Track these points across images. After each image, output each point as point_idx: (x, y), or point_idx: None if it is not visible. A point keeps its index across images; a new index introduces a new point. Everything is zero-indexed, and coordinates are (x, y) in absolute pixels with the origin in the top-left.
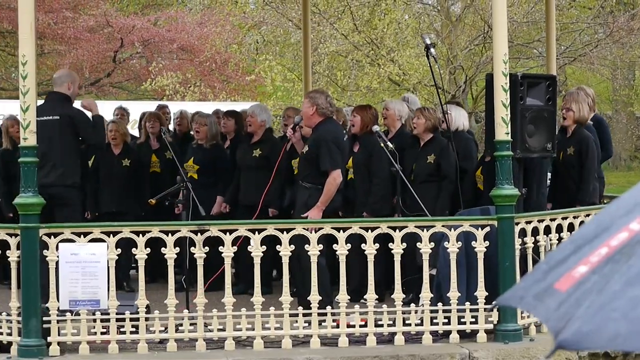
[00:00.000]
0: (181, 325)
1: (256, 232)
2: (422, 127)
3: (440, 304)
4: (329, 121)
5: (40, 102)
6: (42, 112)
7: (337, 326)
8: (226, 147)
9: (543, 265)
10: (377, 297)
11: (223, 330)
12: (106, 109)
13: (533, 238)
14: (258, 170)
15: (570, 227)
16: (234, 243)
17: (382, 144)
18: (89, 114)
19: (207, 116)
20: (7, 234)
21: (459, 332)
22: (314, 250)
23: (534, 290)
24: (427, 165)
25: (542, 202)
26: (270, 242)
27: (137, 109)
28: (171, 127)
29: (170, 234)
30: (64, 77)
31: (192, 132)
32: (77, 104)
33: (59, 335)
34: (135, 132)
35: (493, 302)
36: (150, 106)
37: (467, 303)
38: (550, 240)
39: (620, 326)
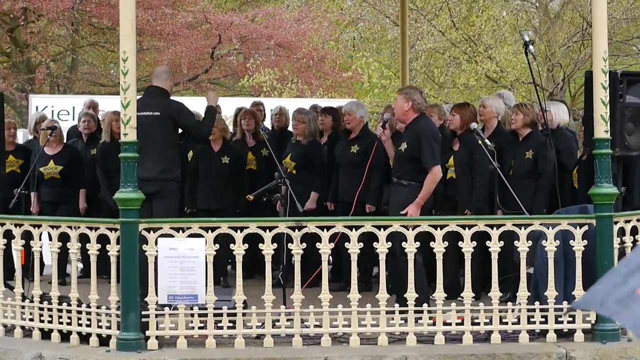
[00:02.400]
0: (278, 321)
1: (353, 229)
2: (521, 123)
3: (537, 302)
4: (423, 117)
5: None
6: (143, 107)
7: (434, 324)
8: (323, 144)
9: (622, 268)
10: (473, 295)
11: (320, 326)
12: (203, 105)
13: (632, 237)
14: (356, 166)
15: None
16: (333, 239)
17: (480, 142)
18: (199, 107)
19: (306, 113)
20: (107, 228)
21: (556, 331)
22: (410, 247)
23: (615, 295)
24: (525, 161)
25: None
26: (370, 239)
27: (231, 105)
28: (267, 123)
29: (268, 230)
30: (165, 73)
31: (290, 129)
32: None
33: (157, 329)
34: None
35: (568, 306)
36: (245, 102)
37: (565, 302)
38: None
39: None
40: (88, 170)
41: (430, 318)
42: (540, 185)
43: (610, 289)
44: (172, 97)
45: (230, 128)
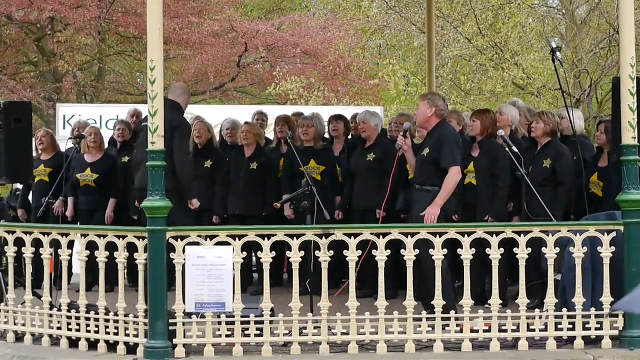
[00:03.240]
0: (305, 328)
1: (380, 236)
2: (541, 131)
3: (564, 309)
4: (445, 123)
5: None
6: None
7: (461, 330)
8: (340, 152)
9: None
10: (500, 301)
11: (347, 333)
12: (230, 113)
13: None
14: (372, 173)
15: None
16: (360, 247)
17: (507, 148)
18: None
19: (311, 117)
20: (134, 236)
21: (583, 337)
22: (438, 254)
23: None
24: (543, 169)
25: None
26: (394, 247)
27: (273, 113)
28: (269, 135)
29: (295, 238)
30: (180, 89)
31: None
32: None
33: (184, 337)
34: (270, 135)
35: (611, 307)
36: (288, 111)
37: (592, 309)
38: None
39: None
40: (121, 177)
41: (457, 325)
42: (559, 194)
43: None
44: (192, 111)
45: (271, 136)
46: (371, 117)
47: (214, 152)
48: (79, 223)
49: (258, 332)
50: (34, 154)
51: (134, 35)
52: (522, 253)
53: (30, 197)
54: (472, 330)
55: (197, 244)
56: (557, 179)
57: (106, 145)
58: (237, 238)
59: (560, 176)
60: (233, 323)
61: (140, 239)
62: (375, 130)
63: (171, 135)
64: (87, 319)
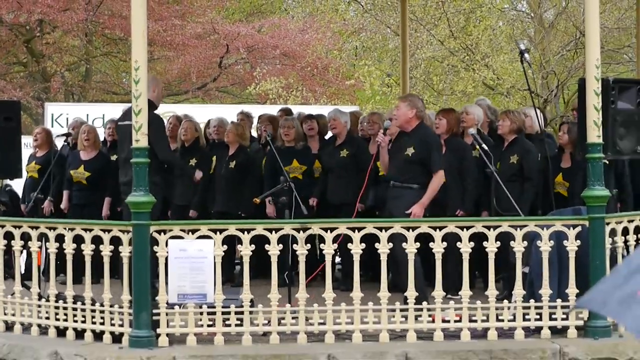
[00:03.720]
0: (283, 318)
1: (356, 230)
2: (507, 129)
3: (532, 300)
4: (424, 124)
5: None
6: (124, 116)
7: (433, 321)
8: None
9: (623, 270)
10: (471, 293)
11: (324, 324)
12: (212, 112)
13: (623, 238)
14: (345, 169)
15: None
16: (335, 241)
17: (477, 146)
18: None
19: (292, 119)
20: (119, 230)
21: (550, 327)
22: (411, 248)
23: (616, 296)
24: (510, 165)
25: (629, 202)
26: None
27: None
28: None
29: (274, 232)
30: (149, 82)
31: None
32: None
33: (167, 327)
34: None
35: (571, 306)
36: (273, 110)
37: (559, 300)
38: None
39: None
40: (111, 175)
41: (429, 315)
42: (526, 189)
43: (612, 290)
44: (170, 108)
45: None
46: (341, 114)
47: (199, 150)
48: (71, 216)
49: (238, 322)
50: (25, 149)
51: (119, 37)
52: (491, 247)
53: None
54: (443, 321)
55: (180, 238)
56: (524, 174)
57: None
58: (218, 232)
59: (528, 172)
60: (214, 314)
61: (125, 233)
62: (345, 127)
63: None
64: (75, 309)
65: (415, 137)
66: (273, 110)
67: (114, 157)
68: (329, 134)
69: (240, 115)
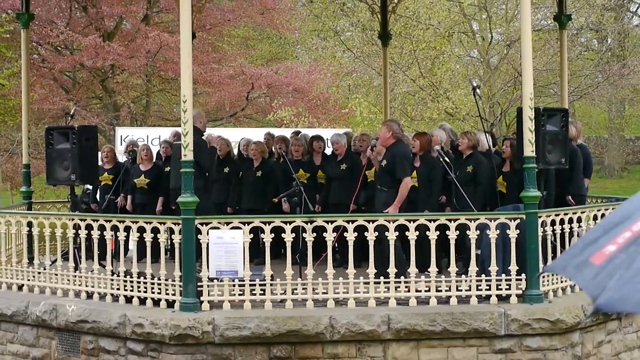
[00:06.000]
0: (296, 289)
1: (350, 222)
2: (466, 146)
3: (483, 275)
4: (399, 142)
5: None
6: (179, 137)
7: (408, 291)
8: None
9: (579, 243)
10: (437, 270)
11: (326, 293)
12: (241, 134)
13: (551, 228)
14: (344, 179)
15: (579, 220)
16: (335, 230)
17: (441, 159)
18: (237, 136)
19: (301, 138)
20: (172, 223)
21: (497, 296)
22: (392, 235)
23: (573, 262)
24: (467, 173)
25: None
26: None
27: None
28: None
29: (288, 224)
30: (196, 116)
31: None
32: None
33: (208, 296)
34: None
35: (541, 269)
36: (287, 132)
37: (503, 275)
38: (563, 229)
39: None
40: (166, 181)
41: (406, 287)
42: (478, 191)
43: (570, 258)
44: (210, 131)
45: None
46: (341, 138)
47: (231, 161)
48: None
49: (262, 292)
50: (99, 163)
51: (171, 77)
52: (452, 234)
53: (97, 195)
54: (416, 290)
55: (217, 228)
56: (477, 180)
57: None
58: (246, 224)
59: (480, 179)
60: (244, 285)
61: (176, 225)
62: (344, 147)
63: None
64: (138, 282)
65: (388, 152)
66: (287, 132)
67: (168, 168)
68: (329, 149)
69: (267, 135)
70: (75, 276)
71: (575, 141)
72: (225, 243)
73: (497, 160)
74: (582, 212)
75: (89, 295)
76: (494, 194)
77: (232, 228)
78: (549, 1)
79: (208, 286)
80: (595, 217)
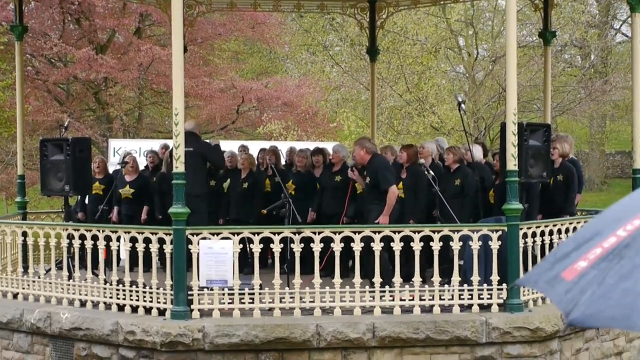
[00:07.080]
0: (284, 298)
1: (337, 234)
2: (452, 160)
3: (465, 285)
4: (376, 156)
5: None
6: (189, 145)
7: (393, 299)
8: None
9: (550, 257)
10: (421, 279)
11: (313, 302)
12: (231, 146)
13: (532, 239)
14: (338, 190)
15: (559, 232)
16: (321, 241)
17: (426, 172)
18: (227, 147)
19: (306, 151)
20: (164, 233)
21: (479, 305)
22: (377, 246)
23: (545, 277)
24: (454, 186)
25: (535, 214)
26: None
27: (256, 147)
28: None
29: (276, 234)
30: (193, 124)
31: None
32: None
33: (199, 304)
34: None
35: (513, 283)
36: (262, 145)
37: (485, 284)
38: (543, 241)
39: (615, 311)
40: (151, 190)
41: (390, 296)
42: (465, 203)
43: (541, 272)
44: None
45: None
46: (342, 149)
47: (217, 174)
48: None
49: (250, 300)
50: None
51: (163, 90)
52: (436, 245)
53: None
54: (400, 300)
55: (207, 238)
56: (464, 193)
57: (142, 168)
58: (235, 234)
59: (467, 191)
60: (233, 294)
61: (168, 235)
62: (342, 159)
63: (206, 152)
64: (131, 291)
65: (369, 168)
66: (278, 145)
67: (153, 178)
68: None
69: (241, 147)
70: (69, 285)
71: (567, 157)
72: (215, 253)
73: (487, 170)
74: (562, 225)
75: (83, 304)
76: (478, 206)
77: (222, 238)
78: (535, 18)
79: (198, 295)
80: (575, 230)
